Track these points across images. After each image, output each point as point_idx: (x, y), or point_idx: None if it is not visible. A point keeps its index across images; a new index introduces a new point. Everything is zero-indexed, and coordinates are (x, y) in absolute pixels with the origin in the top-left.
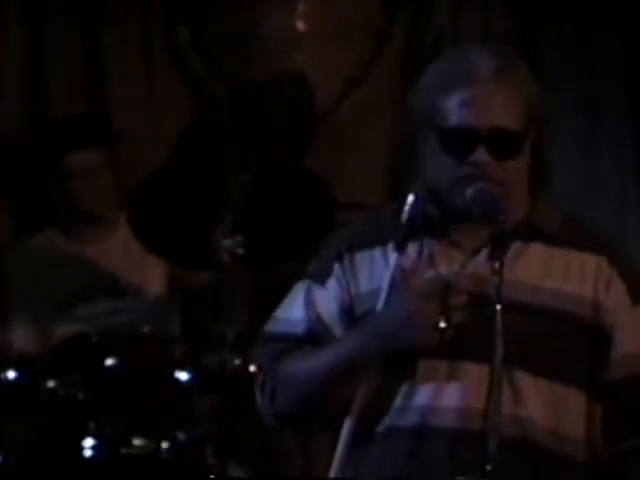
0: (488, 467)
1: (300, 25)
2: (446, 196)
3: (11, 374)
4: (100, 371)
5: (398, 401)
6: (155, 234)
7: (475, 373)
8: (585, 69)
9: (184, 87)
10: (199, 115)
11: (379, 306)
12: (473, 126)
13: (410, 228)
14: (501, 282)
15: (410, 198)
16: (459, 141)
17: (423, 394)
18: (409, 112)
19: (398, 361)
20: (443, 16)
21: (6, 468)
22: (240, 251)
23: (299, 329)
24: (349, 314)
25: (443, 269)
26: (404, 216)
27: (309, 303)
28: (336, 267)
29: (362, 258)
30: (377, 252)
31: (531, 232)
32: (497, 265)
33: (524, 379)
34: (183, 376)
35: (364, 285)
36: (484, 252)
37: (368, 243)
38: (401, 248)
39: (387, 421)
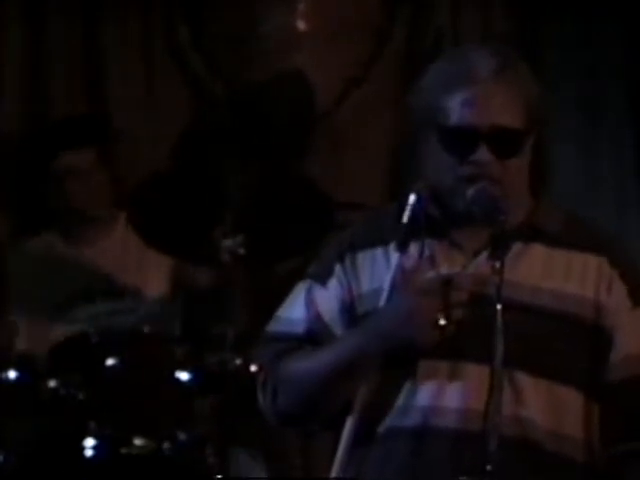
0: (488, 467)
1: (300, 25)
2: (447, 196)
3: (11, 374)
4: (100, 371)
5: (399, 401)
6: (155, 234)
7: (476, 374)
8: (585, 69)
9: (184, 87)
10: (199, 115)
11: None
12: (474, 125)
13: (411, 228)
14: (501, 282)
15: (412, 198)
16: (460, 140)
17: (424, 394)
18: (410, 112)
19: (399, 361)
20: (443, 16)
21: (6, 468)
22: (241, 251)
23: (300, 329)
24: (350, 314)
25: (444, 270)
26: (405, 216)
27: (310, 303)
28: (337, 267)
29: (363, 258)
30: (378, 252)
31: (532, 233)
32: (498, 265)
33: (524, 379)
34: (183, 376)
35: (365, 285)
36: (485, 253)
37: (369, 243)
38: (402, 248)
39: (388, 421)
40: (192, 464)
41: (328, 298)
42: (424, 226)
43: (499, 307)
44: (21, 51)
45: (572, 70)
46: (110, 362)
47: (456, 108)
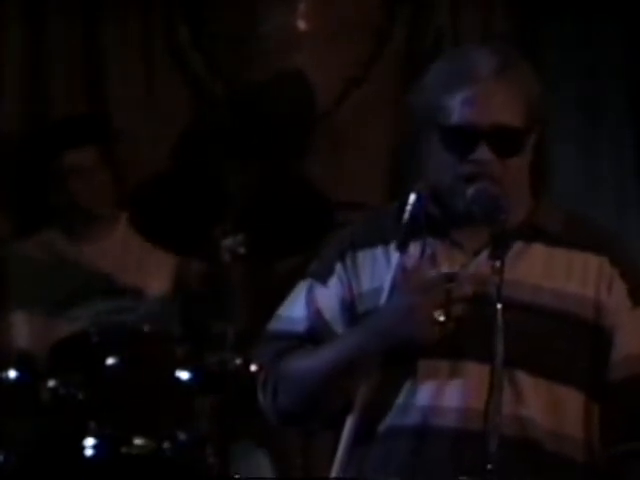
0: (489, 467)
1: (300, 25)
2: (447, 195)
3: (11, 374)
4: (100, 371)
5: (399, 400)
6: (156, 234)
7: (476, 373)
8: (585, 69)
9: (184, 87)
10: (199, 115)
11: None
12: (475, 123)
13: (412, 227)
14: (502, 281)
15: (412, 197)
16: (460, 139)
17: (424, 394)
18: (410, 111)
19: (399, 359)
20: (443, 16)
21: (6, 468)
22: (241, 250)
23: (300, 327)
24: (351, 313)
25: (445, 269)
26: (406, 215)
27: (311, 301)
28: (338, 266)
29: (364, 257)
30: (379, 251)
31: (533, 232)
32: (498, 264)
33: (525, 379)
34: (184, 375)
35: (366, 284)
36: (485, 252)
37: (370, 242)
38: (403, 247)
39: (388, 421)
40: (192, 464)
41: (329, 296)
42: (424, 225)
43: (499, 306)
44: (21, 51)
45: (572, 70)
46: (110, 362)
47: (457, 107)
